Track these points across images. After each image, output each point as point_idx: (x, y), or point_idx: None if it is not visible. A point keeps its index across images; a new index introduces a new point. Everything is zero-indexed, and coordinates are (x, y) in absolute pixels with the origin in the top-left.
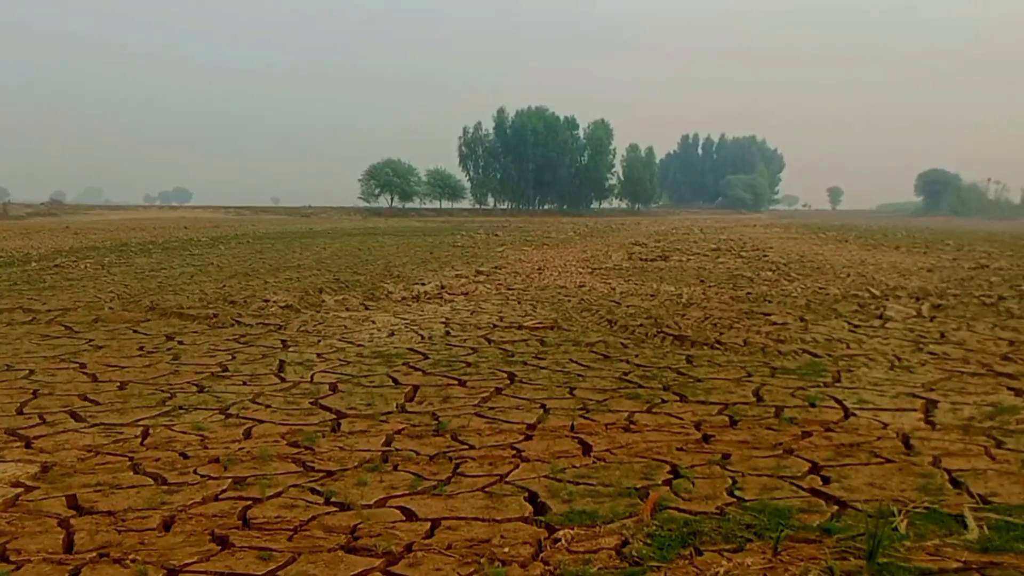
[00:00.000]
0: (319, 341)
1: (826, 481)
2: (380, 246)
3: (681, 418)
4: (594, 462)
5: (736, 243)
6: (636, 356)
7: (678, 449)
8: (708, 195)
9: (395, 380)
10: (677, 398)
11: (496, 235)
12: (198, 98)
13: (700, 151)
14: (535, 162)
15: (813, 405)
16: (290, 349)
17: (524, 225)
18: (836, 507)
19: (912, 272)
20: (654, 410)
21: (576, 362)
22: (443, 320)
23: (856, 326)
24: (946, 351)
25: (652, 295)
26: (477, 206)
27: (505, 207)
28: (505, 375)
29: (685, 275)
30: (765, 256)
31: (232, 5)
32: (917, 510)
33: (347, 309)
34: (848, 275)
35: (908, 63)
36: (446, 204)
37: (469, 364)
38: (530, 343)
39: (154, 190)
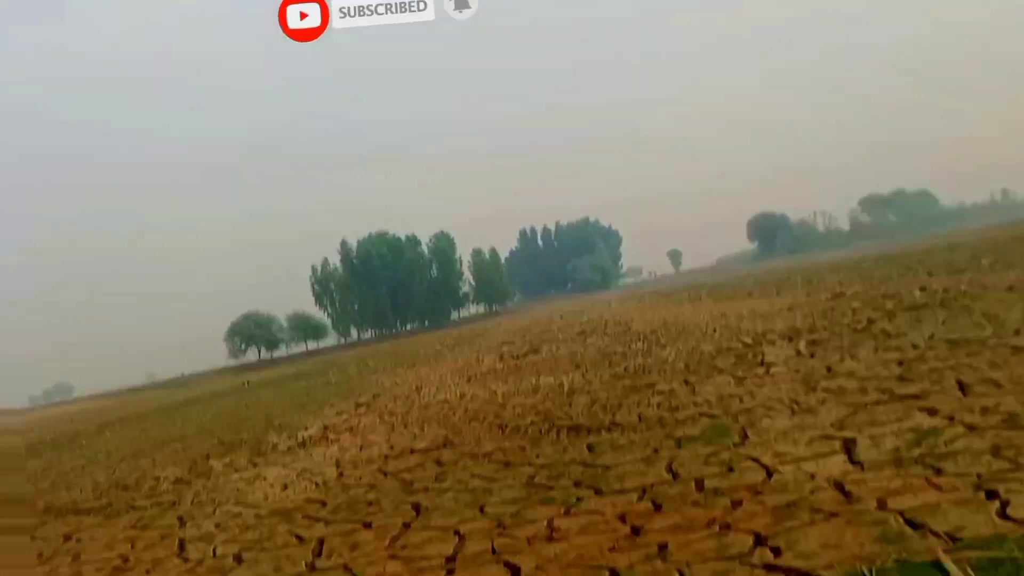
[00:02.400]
0: (215, 510)
1: (777, 552)
2: (257, 400)
3: (602, 513)
4: None
5: (599, 322)
6: (536, 456)
7: (610, 550)
8: (558, 283)
9: (299, 536)
10: (592, 491)
11: (367, 364)
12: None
13: (540, 242)
14: (387, 285)
15: (731, 470)
16: (188, 525)
17: (392, 349)
18: None
19: (774, 314)
20: (572, 511)
21: (478, 476)
22: (333, 461)
23: (741, 378)
24: (840, 384)
25: (534, 390)
26: (343, 340)
27: (369, 336)
28: (409, 506)
29: (559, 364)
30: (629, 329)
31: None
32: (887, 566)
33: (236, 470)
34: (715, 330)
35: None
36: (312, 344)
37: (370, 503)
38: (426, 467)
39: (36, 389)
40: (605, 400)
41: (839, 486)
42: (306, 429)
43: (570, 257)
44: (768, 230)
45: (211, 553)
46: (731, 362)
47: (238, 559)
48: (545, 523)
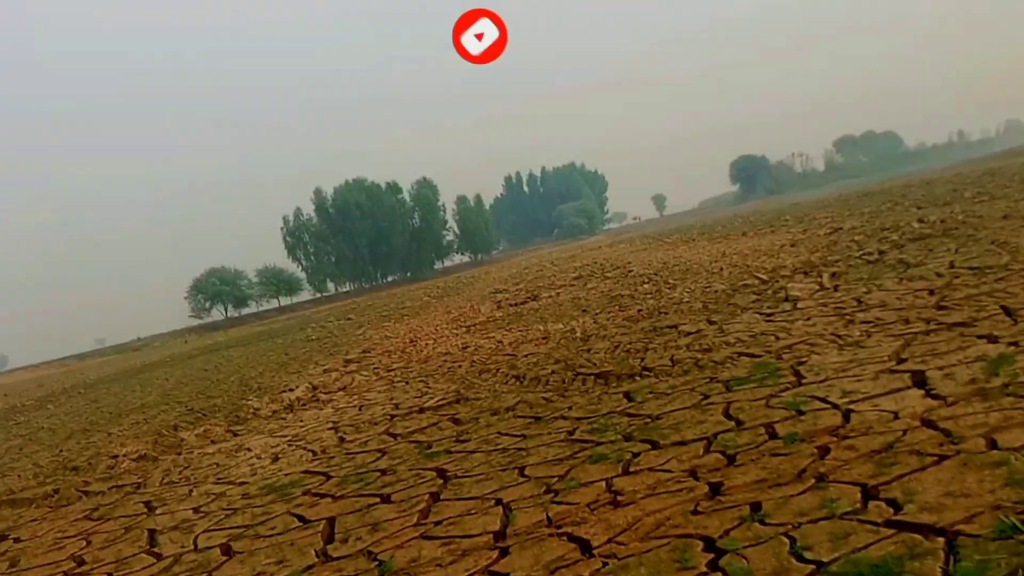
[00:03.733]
0: (191, 491)
1: (896, 507)
2: (227, 361)
3: (669, 471)
4: (605, 564)
5: (594, 266)
6: (569, 408)
7: (693, 513)
8: (544, 229)
9: (302, 518)
10: (648, 446)
11: (349, 318)
12: None
13: (526, 188)
14: (367, 236)
15: (801, 412)
16: (158, 511)
17: (374, 302)
18: (940, 539)
19: (777, 251)
20: (632, 469)
21: (507, 434)
22: (330, 425)
23: (770, 314)
24: (879, 316)
25: (544, 337)
26: (318, 295)
27: (347, 289)
28: (433, 473)
29: (564, 309)
30: (630, 271)
31: None
32: None
33: (212, 442)
34: (720, 268)
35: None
36: (285, 300)
37: (384, 471)
38: (442, 426)
39: None
40: (627, 344)
41: (929, 423)
42: (291, 391)
43: (556, 203)
44: (749, 172)
45: (191, 544)
46: (751, 299)
47: (227, 551)
48: (604, 485)
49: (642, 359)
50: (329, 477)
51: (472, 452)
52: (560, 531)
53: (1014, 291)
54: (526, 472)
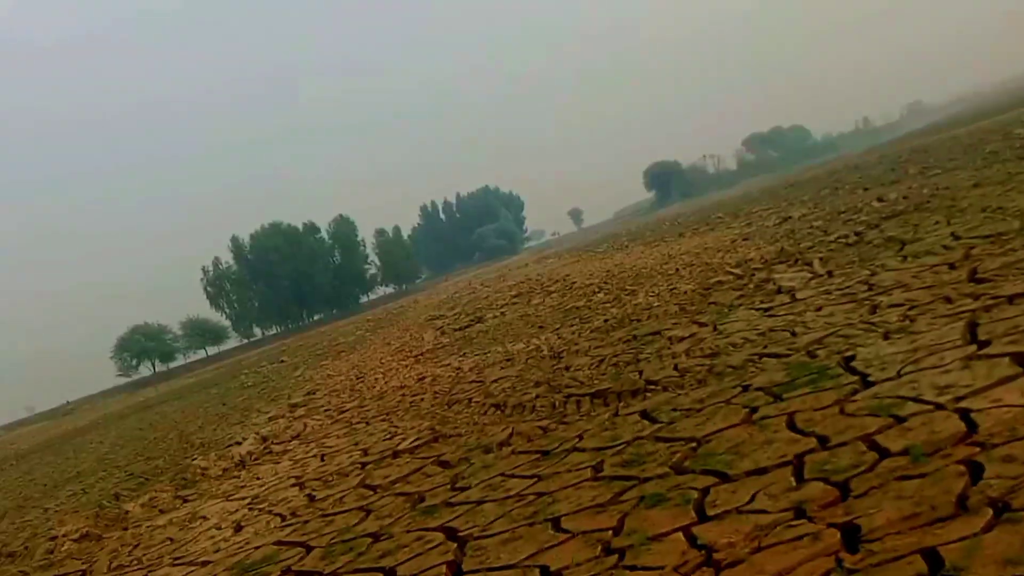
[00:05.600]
0: None
1: None
2: (162, 417)
3: (763, 511)
4: None
5: (531, 283)
6: (579, 438)
7: (847, 573)
8: (464, 255)
9: None
10: (715, 479)
11: (282, 361)
12: None
13: (443, 216)
14: (289, 278)
15: (901, 419)
16: None
17: (304, 342)
18: None
19: (730, 246)
20: (709, 513)
21: (514, 475)
22: (293, 482)
23: (767, 309)
24: (908, 298)
25: (508, 359)
26: (245, 341)
27: (274, 332)
28: (440, 535)
29: (517, 327)
30: (572, 284)
31: None
32: None
33: (161, 511)
34: (675, 270)
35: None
36: (212, 350)
37: (376, 536)
38: (428, 471)
39: None
40: (613, 357)
41: None
42: (238, 444)
43: (474, 227)
44: (664, 178)
45: None
46: (735, 296)
47: None
48: (683, 538)
49: (640, 372)
50: (309, 548)
51: (479, 503)
52: None
53: None
54: (563, 525)
